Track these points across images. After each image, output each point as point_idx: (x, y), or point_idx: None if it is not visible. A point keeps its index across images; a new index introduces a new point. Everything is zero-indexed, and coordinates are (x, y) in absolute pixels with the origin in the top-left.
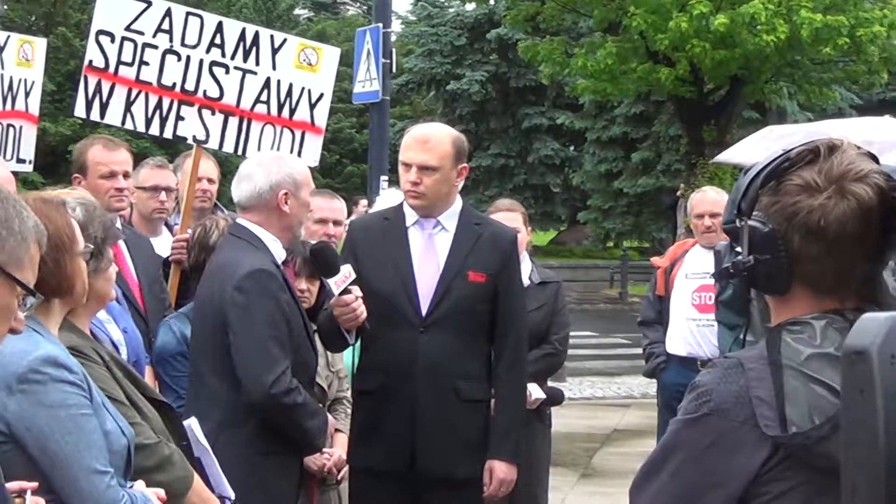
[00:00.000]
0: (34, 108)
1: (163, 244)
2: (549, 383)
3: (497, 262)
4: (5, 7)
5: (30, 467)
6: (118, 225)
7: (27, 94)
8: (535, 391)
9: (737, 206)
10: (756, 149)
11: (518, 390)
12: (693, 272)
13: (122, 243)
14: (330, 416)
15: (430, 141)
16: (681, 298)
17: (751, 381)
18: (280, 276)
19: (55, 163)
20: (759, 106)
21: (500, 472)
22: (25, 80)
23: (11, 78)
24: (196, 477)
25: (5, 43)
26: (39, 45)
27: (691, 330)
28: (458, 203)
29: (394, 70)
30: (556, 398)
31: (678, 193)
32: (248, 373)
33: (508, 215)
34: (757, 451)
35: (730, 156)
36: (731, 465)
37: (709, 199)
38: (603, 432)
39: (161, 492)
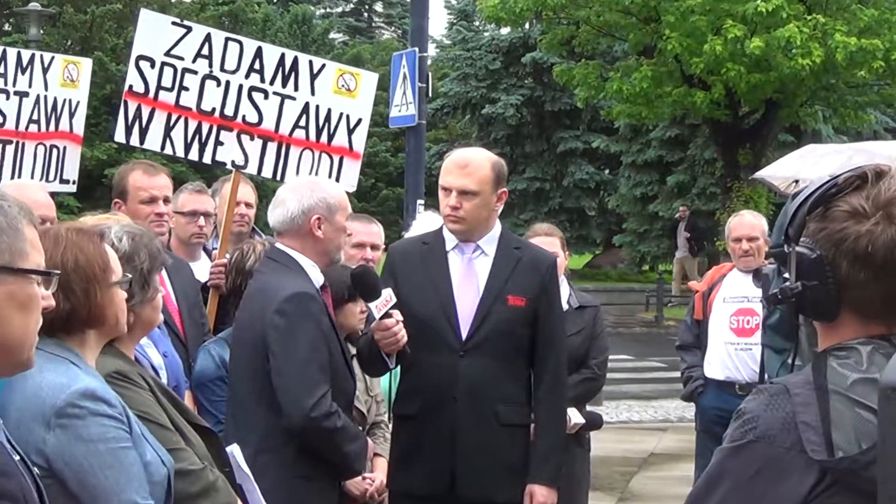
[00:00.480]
0: (79, 129)
1: (201, 269)
2: (587, 407)
3: (536, 286)
4: (41, 31)
5: (71, 501)
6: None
7: (72, 115)
8: (574, 416)
9: (784, 232)
10: (797, 165)
11: (558, 414)
12: (731, 296)
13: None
14: (369, 440)
15: (469, 165)
16: (719, 322)
17: (797, 407)
18: (320, 300)
19: (91, 186)
20: (794, 129)
21: (540, 496)
22: (70, 101)
23: (55, 99)
24: (239, 503)
25: (49, 64)
26: (85, 65)
27: (729, 354)
28: (497, 227)
29: (429, 94)
30: (595, 423)
31: (677, 216)
32: (287, 396)
33: (547, 240)
34: (804, 477)
35: (771, 172)
36: (778, 493)
37: (746, 223)
38: (640, 456)
39: None
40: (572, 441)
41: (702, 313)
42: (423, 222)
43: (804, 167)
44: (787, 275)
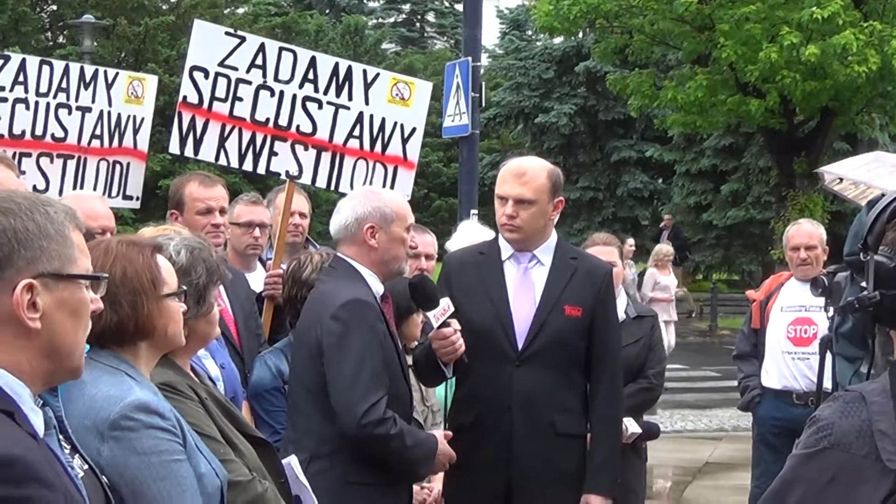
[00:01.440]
0: (143, 146)
1: (257, 279)
2: (644, 417)
3: (593, 297)
4: (95, 44)
5: None
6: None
7: (136, 132)
8: (631, 426)
9: (862, 241)
10: (866, 170)
11: (614, 424)
12: (788, 305)
13: None
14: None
15: (526, 174)
16: (776, 331)
17: (873, 415)
18: (377, 307)
19: (145, 197)
20: (850, 137)
21: None
22: (134, 117)
23: (119, 115)
24: None
25: (114, 80)
26: (150, 81)
27: (787, 363)
28: (553, 237)
29: (482, 104)
30: (652, 432)
31: (662, 224)
32: (340, 403)
33: (604, 249)
34: (879, 485)
35: (841, 171)
36: (853, 500)
37: (804, 232)
38: (695, 465)
39: None
40: (629, 451)
41: (759, 322)
42: (466, 231)
43: (877, 175)
44: (863, 283)
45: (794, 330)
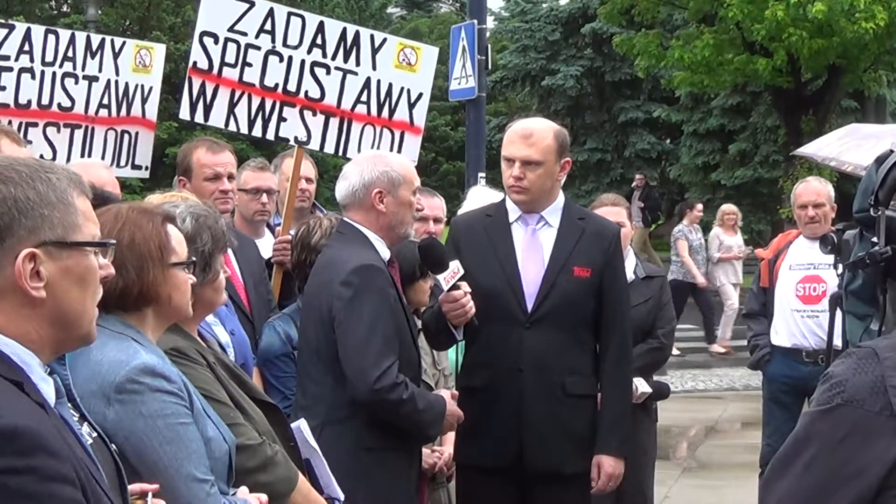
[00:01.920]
0: (151, 115)
1: (265, 245)
2: (654, 377)
3: (601, 257)
4: (99, 12)
5: (132, 476)
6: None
7: (144, 101)
8: (641, 385)
9: (873, 196)
10: (837, 146)
11: (624, 385)
12: (797, 263)
13: None
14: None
15: (533, 135)
16: (785, 290)
17: (886, 371)
18: (387, 272)
19: (153, 165)
20: (857, 95)
21: (608, 466)
22: (142, 87)
23: (127, 84)
24: (301, 477)
25: (121, 49)
26: (158, 50)
27: (796, 321)
28: (560, 198)
29: (489, 67)
30: (662, 392)
31: (633, 185)
32: (352, 369)
33: (612, 210)
34: (893, 441)
35: (813, 150)
36: (866, 456)
37: (812, 189)
38: (706, 425)
39: (264, 497)
40: (639, 411)
41: (768, 281)
42: (476, 197)
43: (845, 148)
44: (873, 239)
45: (802, 288)
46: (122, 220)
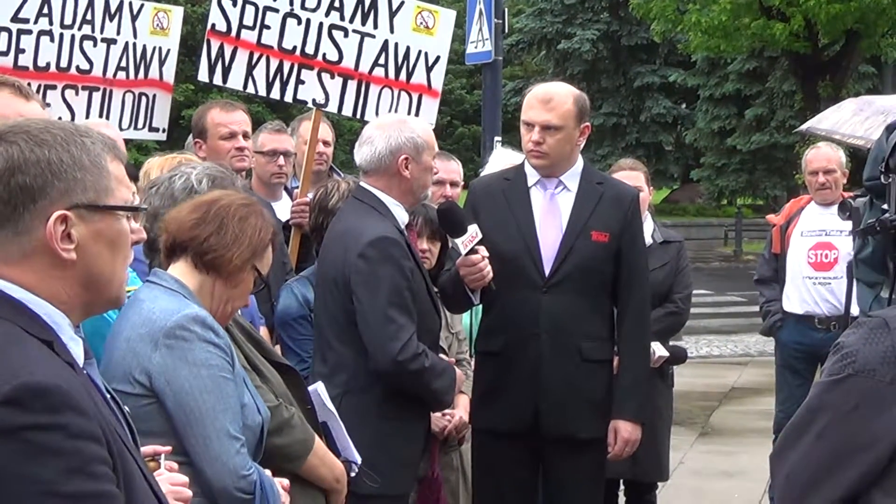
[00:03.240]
0: (169, 77)
1: (282, 208)
2: (670, 342)
3: (619, 222)
4: None
5: (167, 426)
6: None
7: (161, 63)
8: (658, 350)
9: (884, 164)
10: (852, 123)
11: (641, 350)
12: (809, 230)
13: None
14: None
15: (552, 100)
16: (797, 256)
17: None
18: (404, 242)
19: (169, 127)
20: (874, 60)
21: (624, 431)
22: (160, 49)
23: (145, 47)
24: (318, 440)
25: (139, 11)
26: (176, 13)
27: (808, 288)
28: (579, 163)
29: (505, 30)
30: (679, 356)
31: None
32: (374, 342)
33: (631, 174)
34: None
35: (827, 127)
36: (878, 427)
37: (822, 156)
38: (721, 391)
39: (286, 481)
40: (656, 376)
41: (779, 247)
42: (499, 159)
43: (858, 124)
44: (883, 206)
45: (814, 255)
46: (250, 204)
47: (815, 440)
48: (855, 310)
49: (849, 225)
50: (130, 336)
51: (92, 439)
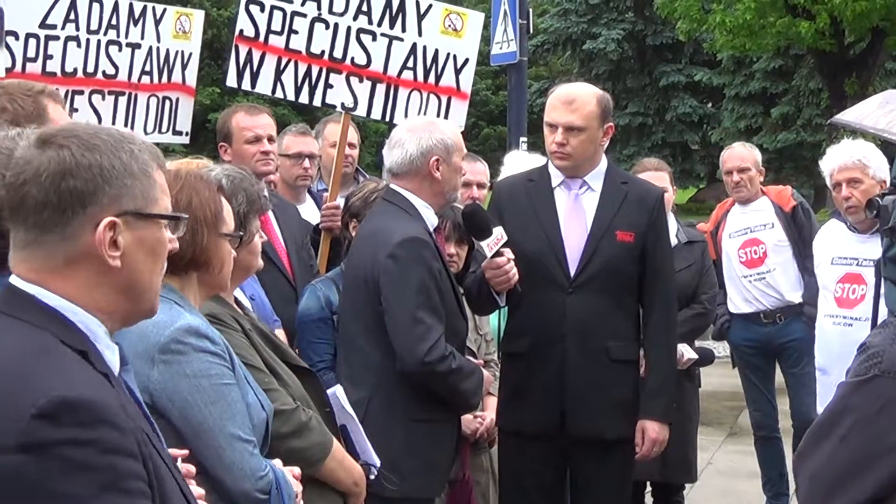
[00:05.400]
0: (191, 81)
1: (307, 211)
2: (696, 343)
3: (644, 222)
4: None
5: (176, 440)
6: (265, 193)
7: (184, 67)
8: (686, 351)
9: None
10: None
11: (668, 350)
12: (735, 230)
13: (269, 211)
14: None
15: (575, 101)
16: (730, 258)
17: None
18: (432, 244)
19: (194, 132)
20: None
21: (652, 432)
22: (182, 53)
23: (168, 50)
24: (336, 444)
25: (161, 16)
26: (197, 17)
27: (745, 286)
28: (603, 163)
29: (530, 31)
30: (707, 358)
31: None
32: (402, 343)
33: (655, 174)
34: None
35: (852, 118)
36: None
37: (736, 155)
38: None
39: (297, 470)
40: (683, 377)
41: (714, 253)
42: (513, 162)
43: (887, 118)
44: None
45: (744, 253)
46: (181, 182)
47: (839, 443)
48: (883, 309)
49: (759, 217)
50: (128, 355)
51: (126, 454)
